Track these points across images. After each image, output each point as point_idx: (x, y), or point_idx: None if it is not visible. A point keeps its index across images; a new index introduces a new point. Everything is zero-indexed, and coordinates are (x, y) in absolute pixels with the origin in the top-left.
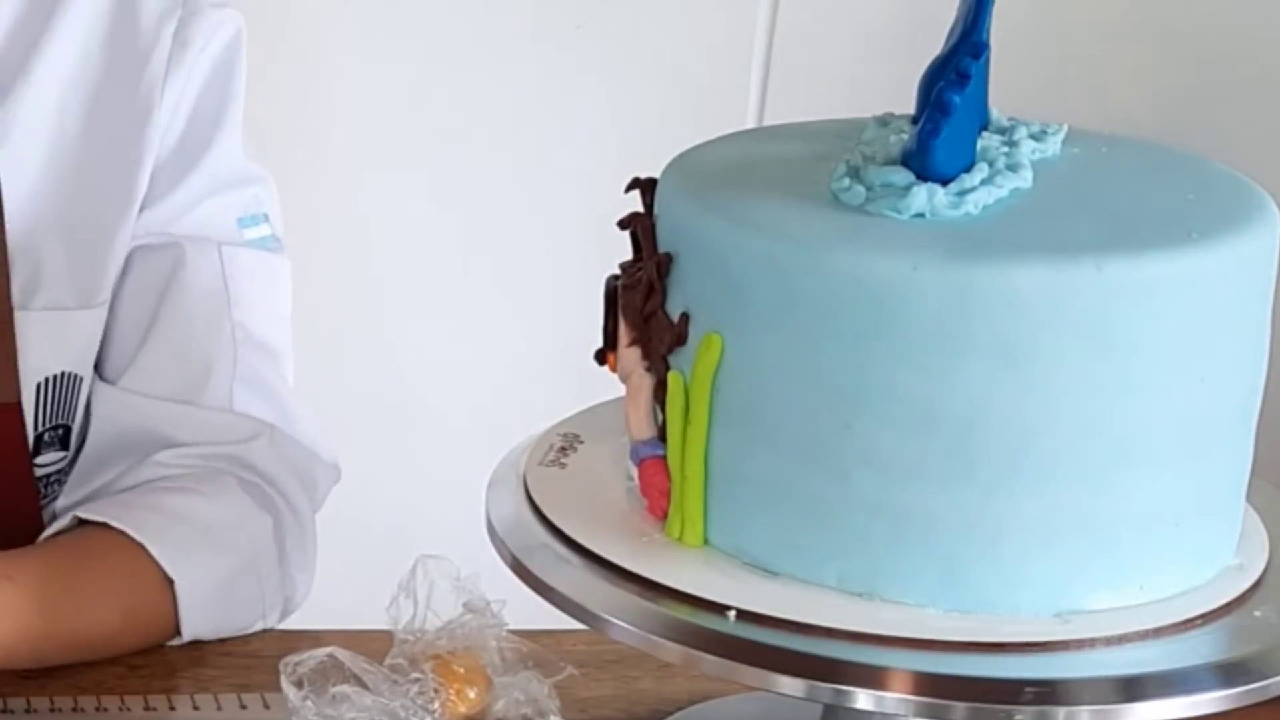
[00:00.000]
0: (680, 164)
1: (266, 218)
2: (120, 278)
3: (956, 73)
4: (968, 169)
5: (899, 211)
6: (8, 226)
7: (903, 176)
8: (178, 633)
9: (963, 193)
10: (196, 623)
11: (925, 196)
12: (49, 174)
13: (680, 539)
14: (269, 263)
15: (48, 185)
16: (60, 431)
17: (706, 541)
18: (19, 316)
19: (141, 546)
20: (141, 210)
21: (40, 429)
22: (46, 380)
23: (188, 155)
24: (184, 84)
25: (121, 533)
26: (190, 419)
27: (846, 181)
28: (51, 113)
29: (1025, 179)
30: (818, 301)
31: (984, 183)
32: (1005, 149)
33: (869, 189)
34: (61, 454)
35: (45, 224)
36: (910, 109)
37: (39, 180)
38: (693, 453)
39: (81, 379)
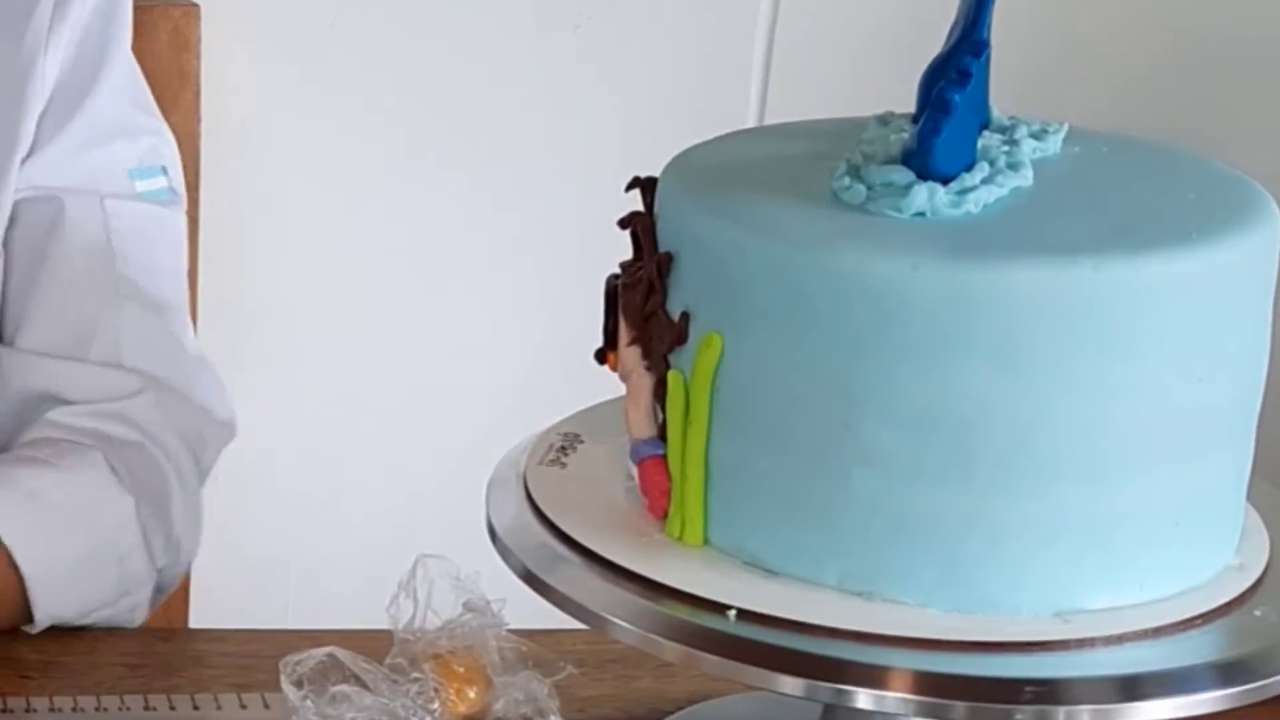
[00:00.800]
0: (680, 164)
1: (164, 170)
2: (7, 232)
3: (957, 71)
4: (968, 168)
5: (899, 210)
6: None
7: (903, 175)
8: (30, 616)
9: (963, 192)
10: (48, 603)
11: (926, 195)
12: None
13: (680, 538)
14: (159, 217)
15: None
16: None
17: (707, 541)
18: None
19: None
20: (27, 159)
21: None
22: None
23: (69, 100)
24: (68, 33)
25: None
26: (78, 376)
27: (847, 180)
28: None
29: (1026, 178)
30: (818, 301)
31: (984, 182)
32: (1006, 148)
33: (869, 188)
34: None
35: None
36: (911, 108)
37: None
38: (693, 452)
39: None
